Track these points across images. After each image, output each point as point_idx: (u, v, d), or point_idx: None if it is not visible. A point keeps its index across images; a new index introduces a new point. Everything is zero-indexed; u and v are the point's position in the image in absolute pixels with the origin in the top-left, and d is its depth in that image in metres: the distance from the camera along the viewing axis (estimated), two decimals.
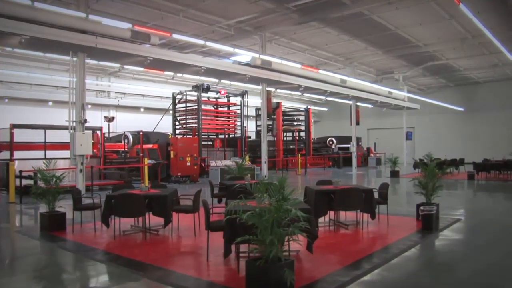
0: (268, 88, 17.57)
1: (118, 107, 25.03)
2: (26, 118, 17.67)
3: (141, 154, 14.99)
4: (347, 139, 24.17)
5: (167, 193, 7.06)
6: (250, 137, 25.77)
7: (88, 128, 16.98)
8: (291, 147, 27.21)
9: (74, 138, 11.33)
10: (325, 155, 28.54)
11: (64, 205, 7.71)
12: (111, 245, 6.52)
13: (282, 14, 14.81)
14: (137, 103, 25.65)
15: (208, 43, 14.08)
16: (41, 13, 10.19)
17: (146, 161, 14.61)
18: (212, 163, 16.52)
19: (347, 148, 24.44)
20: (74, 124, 11.45)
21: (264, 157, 16.73)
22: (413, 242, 6.30)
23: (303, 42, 18.92)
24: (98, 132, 16.64)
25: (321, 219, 7.49)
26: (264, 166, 16.69)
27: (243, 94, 22.78)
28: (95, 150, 16.83)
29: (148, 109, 25.57)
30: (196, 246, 6.32)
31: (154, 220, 7.74)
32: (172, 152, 16.97)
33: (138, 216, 7.03)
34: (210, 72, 14.49)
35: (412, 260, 5.59)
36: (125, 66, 19.88)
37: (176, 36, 12.88)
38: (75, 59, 11.52)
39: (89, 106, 23.57)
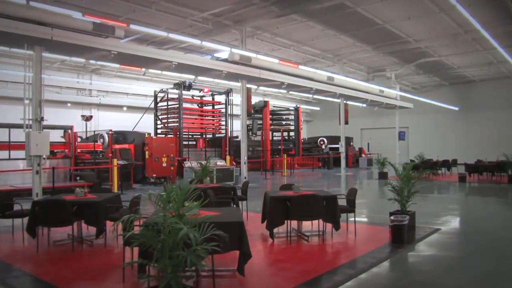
0: (249, 85, 16.72)
1: (100, 106, 24.18)
2: None
3: (110, 155, 14.12)
4: (339, 139, 23.31)
5: (100, 200, 6.20)
6: (237, 137, 24.90)
7: (58, 127, 16.26)
8: (279, 147, 26.34)
9: (29, 138, 10.50)
10: (315, 155, 27.68)
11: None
12: (30, 259, 5.67)
13: (261, 7, 13.95)
14: (120, 101, 24.78)
15: (172, 35, 13.21)
16: None
17: (115, 161, 13.75)
18: (187, 164, 15.64)
19: (338, 148, 23.58)
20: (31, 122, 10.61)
21: (243, 157, 15.84)
22: (376, 260, 5.38)
23: (287, 37, 18.04)
24: (69, 131, 15.81)
25: (280, 229, 6.64)
26: (244, 167, 15.80)
27: (228, 92, 21.93)
28: (66, 150, 16.04)
29: (132, 108, 24.68)
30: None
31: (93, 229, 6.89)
32: (147, 152, 16.14)
33: (64, 225, 6.16)
34: (182, 67, 13.61)
35: (367, 284, 4.70)
36: (106, 63, 19.10)
37: (134, 27, 11.97)
38: (31, 52, 10.73)
39: (69, 104, 22.91)
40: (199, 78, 20.02)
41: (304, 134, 34.01)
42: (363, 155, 28.61)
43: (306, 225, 7.25)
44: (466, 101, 29.47)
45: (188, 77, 19.65)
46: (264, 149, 24.18)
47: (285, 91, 25.37)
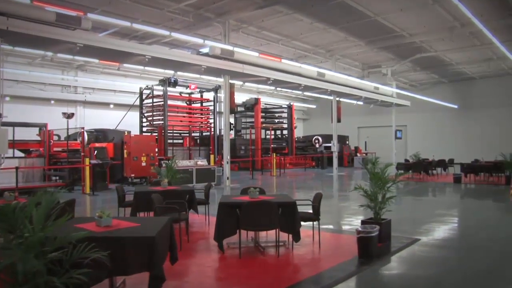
0: (234, 81, 15.96)
1: (85, 103, 23.45)
2: None
3: (83, 153, 13.38)
4: None
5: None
6: None
7: (32, 125, 15.55)
8: (273, 146, 25.55)
9: None
10: (309, 154, 26.88)
11: None
12: None
13: None
14: (107, 98, 24.02)
15: (136, 25, 12.45)
16: None
17: (88, 161, 13.03)
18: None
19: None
20: None
21: (226, 156, 15.09)
22: (332, 281, 4.54)
23: (274, 31, 17.21)
24: (44, 129, 15.10)
25: (235, 239, 5.86)
26: (227, 167, 15.04)
27: (216, 89, 21.16)
28: (41, 149, 15.35)
29: (119, 105, 23.88)
30: None
31: None
32: (125, 151, 15.41)
33: None
34: (157, 62, 12.85)
35: None
36: (90, 59, 18.47)
37: (91, 16, 11.21)
38: None
39: (53, 102, 22.19)
40: (188, 75, 19.38)
41: (300, 133, 33.19)
42: (358, 154, 27.74)
43: (271, 233, 6.48)
44: (466, 99, 28.53)
45: (171, 72, 18.87)
46: (255, 148, 23.38)
47: (280, 89, 24.58)
